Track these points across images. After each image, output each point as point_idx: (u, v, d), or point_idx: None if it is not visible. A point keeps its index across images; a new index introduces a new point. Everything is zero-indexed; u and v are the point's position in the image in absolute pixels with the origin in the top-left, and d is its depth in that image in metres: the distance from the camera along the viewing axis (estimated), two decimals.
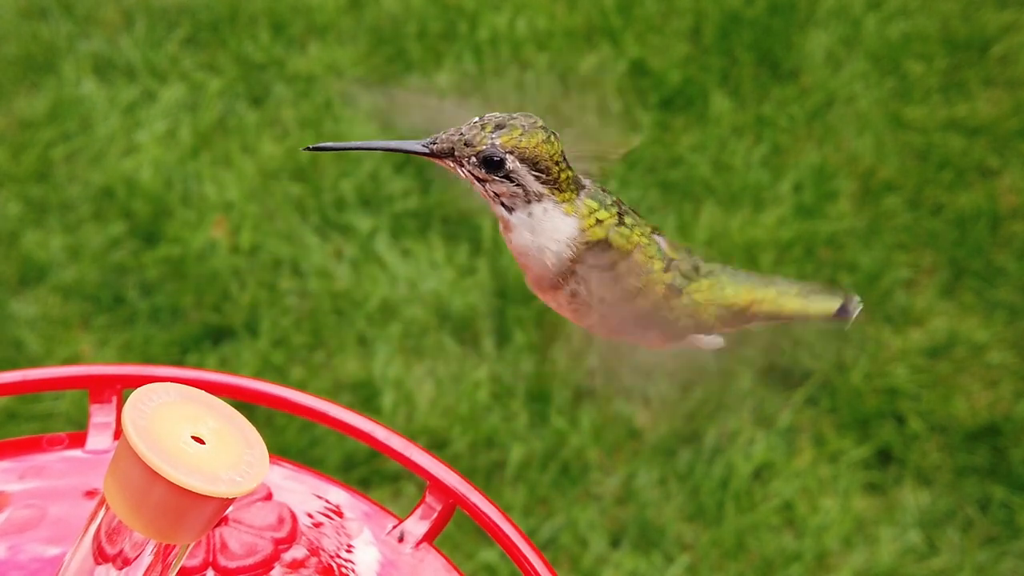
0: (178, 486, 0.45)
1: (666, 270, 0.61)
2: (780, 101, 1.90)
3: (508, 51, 1.95)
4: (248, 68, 1.91)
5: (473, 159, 0.57)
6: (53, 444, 0.65)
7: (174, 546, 0.48)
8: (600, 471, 1.45)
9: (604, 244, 0.59)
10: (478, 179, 0.58)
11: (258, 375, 1.50)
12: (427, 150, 0.58)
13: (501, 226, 0.60)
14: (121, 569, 0.48)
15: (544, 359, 1.53)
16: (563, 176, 0.58)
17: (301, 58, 1.94)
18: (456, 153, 0.57)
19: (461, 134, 0.57)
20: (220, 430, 0.47)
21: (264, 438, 0.48)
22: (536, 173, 0.57)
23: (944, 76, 1.95)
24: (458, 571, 0.61)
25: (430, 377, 1.53)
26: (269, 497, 0.63)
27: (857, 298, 0.64)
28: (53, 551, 0.60)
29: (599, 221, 0.59)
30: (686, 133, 1.85)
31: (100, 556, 0.48)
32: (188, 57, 1.93)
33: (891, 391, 1.53)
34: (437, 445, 1.45)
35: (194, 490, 0.45)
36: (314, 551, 0.62)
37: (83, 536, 0.49)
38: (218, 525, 0.60)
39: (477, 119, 0.57)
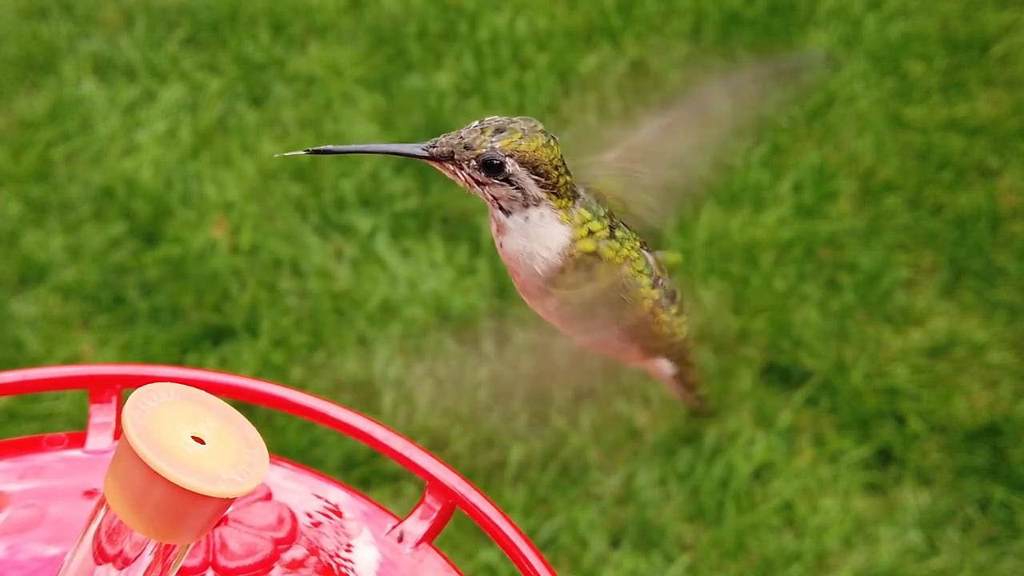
0: (178, 486, 0.45)
1: (653, 286, 0.62)
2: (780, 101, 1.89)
3: (508, 51, 1.95)
4: (248, 68, 1.91)
5: (473, 162, 0.57)
6: (53, 444, 0.65)
7: (174, 546, 0.48)
8: (600, 471, 1.45)
9: (594, 255, 0.59)
10: (478, 182, 0.58)
11: (258, 375, 1.50)
12: (427, 153, 0.58)
13: (495, 230, 0.60)
14: (121, 569, 0.48)
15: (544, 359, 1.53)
16: (562, 181, 0.58)
17: (301, 58, 1.94)
18: (456, 156, 0.57)
19: (461, 137, 0.57)
20: (220, 430, 0.47)
21: (264, 438, 0.48)
22: (535, 177, 0.57)
23: (944, 76, 1.95)
24: (458, 571, 0.61)
25: (430, 377, 1.53)
26: (269, 497, 0.63)
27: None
28: (53, 551, 0.60)
29: (591, 232, 0.59)
30: None
31: (100, 556, 0.48)
32: (188, 57, 1.93)
33: (891, 391, 1.53)
34: (437, 445, 1.45)
35: (194, 490, 0.45)
36: (313, 551, 0.62)
37: (83, 536, 0.49)
38: (218, 525, 0.60)
39: (477, 123, 0.58)
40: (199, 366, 1.50)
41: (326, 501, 0.64)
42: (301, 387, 0.73)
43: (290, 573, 0.60)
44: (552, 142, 0.58)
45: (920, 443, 1.49)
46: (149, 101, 1.86)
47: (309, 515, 0.63)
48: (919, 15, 2.04)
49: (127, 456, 0.45)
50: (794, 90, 0.67)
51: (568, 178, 0.58)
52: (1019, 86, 1.95)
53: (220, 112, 1.85)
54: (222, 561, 0.60)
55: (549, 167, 0.57)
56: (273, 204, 1.72)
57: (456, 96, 1.88)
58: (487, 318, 1.58)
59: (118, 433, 0.65)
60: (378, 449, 0.63)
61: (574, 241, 0.59)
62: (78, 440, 0.65)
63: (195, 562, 0.59)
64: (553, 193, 0.58)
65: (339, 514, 0.64)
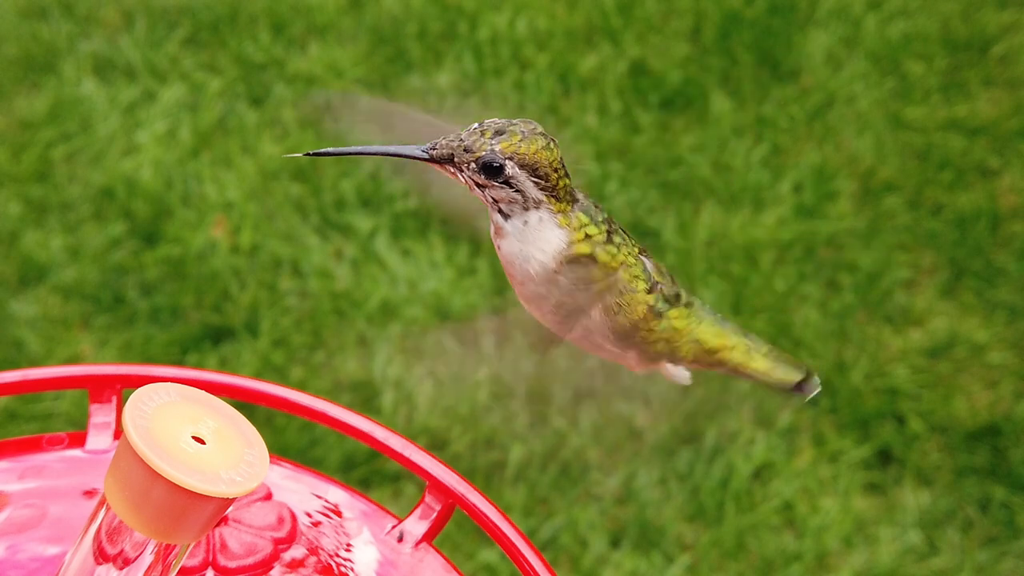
0: (178, 486, 0.45)
1: (649, 291, 0.61)
2: (780, 101, 1.90)
3: (508, 51, 1.95)
4: (248, 68, 1.91)
5: (473, 165, 0.57)
6: (53, 444, 0.65)
7: (174, 546, 0.48)
8: (600, 471, 1.45)
9: (589, 259, 0.59)
10: (477, 185, 0.58)
11: (258, 375, 1.50)
12: (427, 155, 0.58)
13: (493, 232, 0.60)
14: (122, 569, 0.48)
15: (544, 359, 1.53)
16: (561, 183, 0.58)
17: (301, 58, 1.94)
18: (456, 159, 0.57)
19: (461, 140, 0.57)
20: (220, 430, 0.47)
21: (264, 438, 0.49)
22: (535, 179, 0.57)
23: (944, 76, 1.95)
24: (457, 571, 0.61)
25: (430, 377, 1.53)
26: (269, 497, 0.63)
27: (817, 379, 0.64)
28: (53, 550, 0.60)
29: (588, 236, 0.59)
30: (686, 133, 1.85)
31: (101, 556, 0.48)
32: (188, 57, 1.93)
33: (891, 391, 1.53)
34: (437, 445, 1.45)
35: (194, 490, 0.45)
36: (313, 551, 0.62)
37: (83, 536, 0.49)
38: (218, 525, 0.60)
39: (477, 125, 0.58)
40: (199, 366, 1.50)
41: (326, 501, 0.64)
42: (301, 387, 0.73)
43: (290, 573, 0.60)
44: (552, 144, 0.58)
45: (920, 443, 1.49)
46: (149, 101, 1.86)
47: (309, 515, 0.63)
48: (919, 15, 2.04)
49: (128, 456, 0.45)
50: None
51: (568, 181, 0.58)
52: (1019, 86, 1.95)
53: (220, 112, 1.85)
54: (222, 561, 0.60)
55: (549, 170, 0.57)
56: (273, 204, 1.72)
57: (456, 96, 1.88)
58: (485, 317, 1.58)
59: (118, 433, 0.65)
60: (378, 449, 0.63)
61: (570, 244, 0.59)
62: (78, 440, 0.65)
63: (195, 562, 0.60)
64: (553, 196, 0.58)
65: (339, 514, 0.64)
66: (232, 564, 0.60)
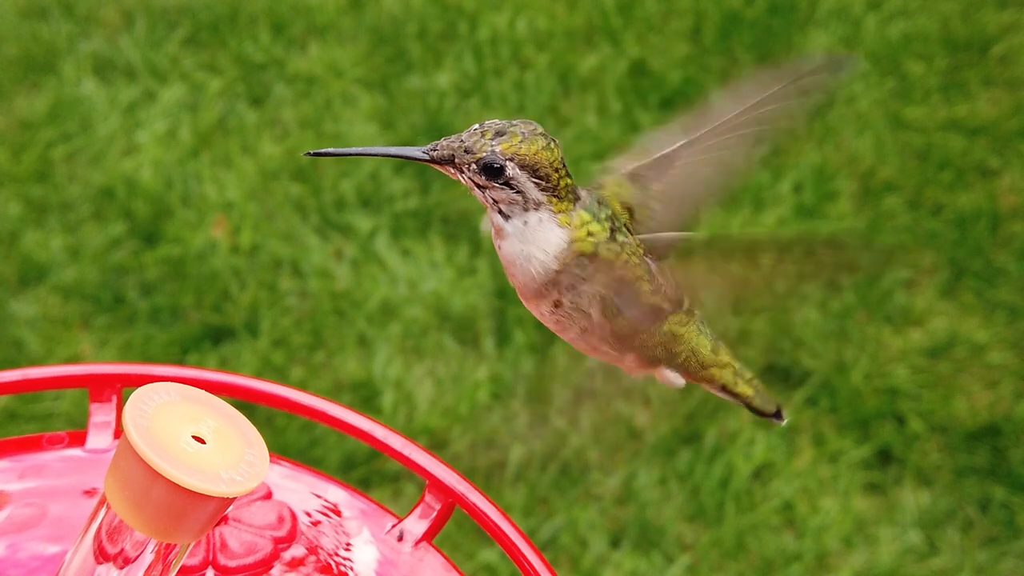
0: (179, 485, 0.45)
1: (653, 293, 0.61)
2: None
3: (508, 51, 1.95)
4: (248, 68, 1.91)
5: (473, 166, 0.57)
6: (53, 443, 0.65)
7: (175, 545, 0.48)
8: (600, 471, 1.45)
9: (592, 258, 0.59)
10: (478, 186, 0.58)
11: (258, 375, 1.50)
12: (428, 157, 0.58)
13: (494, 233, 0.60)
14: (122, 568, 0.48)
15: (544, 359, 1.53)
16: (562, 184, 0.58)
17: (301, 58, 1.94)
18: (456, 160, 0.57)
19: (461, 141, 0.57)
20: (220, 430, 0.47)
21: (264, 438, 0.49)
22: (536, 180, 0.57)
23: (944, 76, 1.95)
24: (457, 570, 0.61)
25: (430, 377, 1.53)
26: (269, 496, 0.63)
27: (786, 414, 0.69)
28: (53, 550, 0.60)
29: (590, 234, 0.59)
30: None
31: (101, 555, 0.48)
32: (188, 57, 1.93)
33: (891, 391, 1.53)
34: (437, 445, 1.45)
35: (194, 489, 0.45)
36: (313, 550, 0.62)
37: (84, 535, 0.49)
38: (218, 524, 0.60)
39: (477, 126, 0.57)
40: (199, 366, 1.49)
41: (325, 500, 0.64)
42: (301, 387, 0.73)
43: (290, 572, 0.60)
44: (552, 145, 0.57)
45: (920, 443, 1.49)
46: (149, 101, 1.86)
47: (308, 514, 0.63)
48: (919, 15, 2.04)
49: (128, 455, 0.45)
50: (817, 97, 0.67)
51: (569, 180, 0.58)
52: (1019, 86, 1.95)
53: (220, 112, 1.85)
54: (222, 560, 0.60)
55: (549, 170, 0.57)
56: (273, 204, 1.72)
57: (456, 96, 1.88)
58: (487, 317, 1.58)
59: (118, 432, 0.65)
60: (378, 449, 0.63)
61: (572, 243, 0.58)
62: (78, 439, 0.65)
63: (195, 561, 0.60)
64: (554, 196, 0.58)
65: (338, 513, 0.64)
66: (232, 563, 0.60)
